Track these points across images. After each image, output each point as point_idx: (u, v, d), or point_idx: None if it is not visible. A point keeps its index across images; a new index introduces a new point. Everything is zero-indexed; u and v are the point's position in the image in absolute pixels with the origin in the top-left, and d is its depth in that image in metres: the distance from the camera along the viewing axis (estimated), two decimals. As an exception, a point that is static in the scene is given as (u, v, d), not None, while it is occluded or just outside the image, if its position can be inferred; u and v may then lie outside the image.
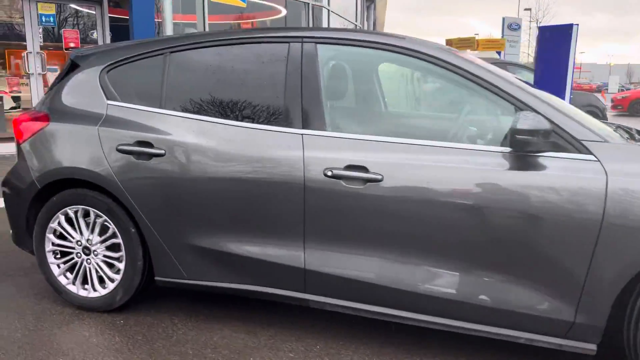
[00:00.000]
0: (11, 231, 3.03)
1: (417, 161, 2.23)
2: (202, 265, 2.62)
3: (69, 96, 2.87)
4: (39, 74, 8.22)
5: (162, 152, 2.57)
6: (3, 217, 3.18)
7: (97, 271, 2.85)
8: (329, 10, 13.06)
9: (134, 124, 2.66)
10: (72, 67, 2.97)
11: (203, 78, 2.67)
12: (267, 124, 2.49)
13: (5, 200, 2.99)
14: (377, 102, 3.20)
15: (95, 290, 2.86)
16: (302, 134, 2.41)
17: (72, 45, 8.48)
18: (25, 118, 2.95)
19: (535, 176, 2.09)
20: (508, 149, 2.15)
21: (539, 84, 6.94)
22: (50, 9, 8.31)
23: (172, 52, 2.73)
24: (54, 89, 2.97)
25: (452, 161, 2.20)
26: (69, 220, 2.84)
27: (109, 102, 2.76)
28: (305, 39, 2.51)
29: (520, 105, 2.19)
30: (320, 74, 2.47)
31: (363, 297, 2.39)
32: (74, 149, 2.73)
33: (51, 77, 8.28)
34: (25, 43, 8.12)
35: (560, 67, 7.29)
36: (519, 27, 15.39)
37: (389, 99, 3.28)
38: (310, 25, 12.32)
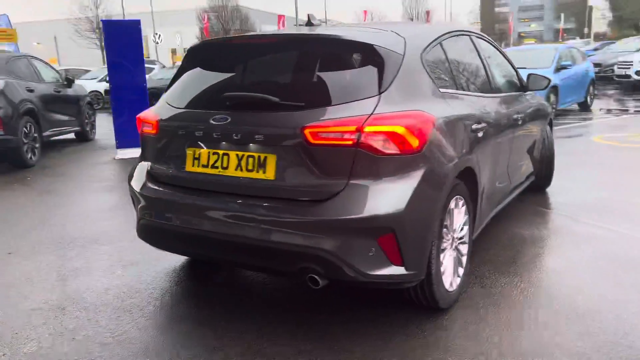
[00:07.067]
0: (404, 261, 2.40)
1: None
2: None
3: (401, 85, 2.54)
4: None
5: (485, 125, 3.17)
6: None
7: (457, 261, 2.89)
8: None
9: (467, 106, 3.03)
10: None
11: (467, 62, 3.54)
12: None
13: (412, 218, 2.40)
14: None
15: (452, 284, 2.80)
16: None
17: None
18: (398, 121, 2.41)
19: None
20: None
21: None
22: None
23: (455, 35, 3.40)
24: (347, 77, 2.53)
25: None
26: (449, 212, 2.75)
27: (442, 89, 2.83)
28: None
29: None
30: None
31: None
32: (461, 141, 2.80)
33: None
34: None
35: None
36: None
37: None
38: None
